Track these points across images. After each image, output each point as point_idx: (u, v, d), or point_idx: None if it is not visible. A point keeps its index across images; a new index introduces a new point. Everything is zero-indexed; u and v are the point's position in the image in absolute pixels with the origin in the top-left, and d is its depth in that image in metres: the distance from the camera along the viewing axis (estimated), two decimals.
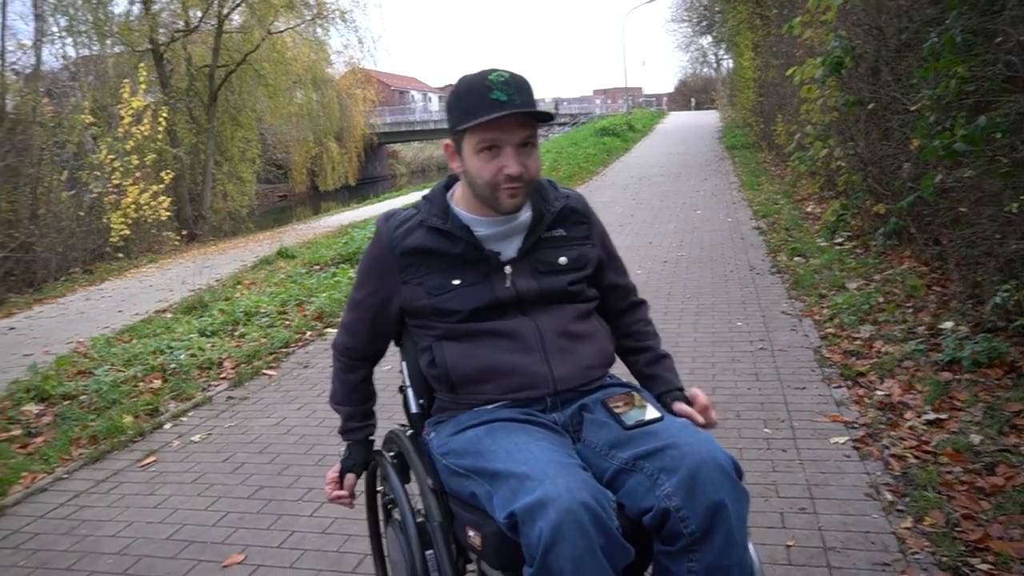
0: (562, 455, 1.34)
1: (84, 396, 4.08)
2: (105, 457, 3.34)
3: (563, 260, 1.59)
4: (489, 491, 1.32)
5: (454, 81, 1.63)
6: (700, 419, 1.55)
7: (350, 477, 1.72)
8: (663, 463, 1.32)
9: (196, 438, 3.48)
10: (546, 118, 1.50)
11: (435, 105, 59.75)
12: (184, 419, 3.75)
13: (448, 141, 1.56)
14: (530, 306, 1.55)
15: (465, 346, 1.53)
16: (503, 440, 1.38)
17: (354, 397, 1.74)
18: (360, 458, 1.74)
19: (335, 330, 1.91)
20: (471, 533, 1.37)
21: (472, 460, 1.40)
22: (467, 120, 1.45)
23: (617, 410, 1.46)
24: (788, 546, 2.18)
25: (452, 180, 1.65)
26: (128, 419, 3.67)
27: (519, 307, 1.54)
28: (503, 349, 1.51)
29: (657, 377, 1.67)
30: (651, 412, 1.45)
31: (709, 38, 34.66)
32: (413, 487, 1.56)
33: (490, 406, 1.51)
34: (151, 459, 3.28)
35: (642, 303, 1.82)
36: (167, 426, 3.67)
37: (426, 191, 1.69)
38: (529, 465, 1.28)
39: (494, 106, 1.43)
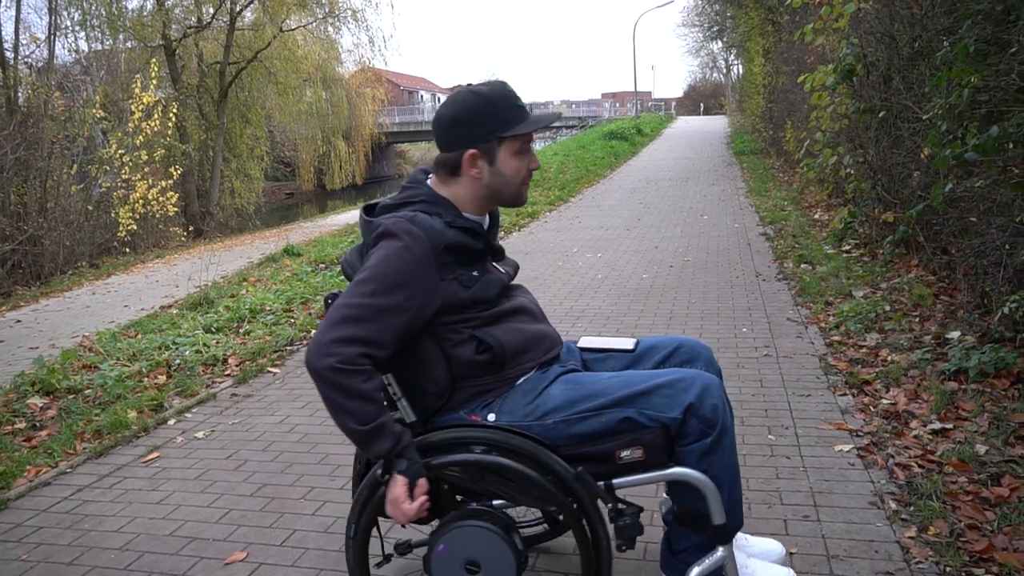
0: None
1: (89, 390, 4.09)
2: (109, 452, 3.35)
3: (503, 246, 1.92)
4: (639, 409, 1.63)
5: (465, 83, 1.80)
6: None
7: (423, 482, 1.59)
8: (682, 359, 1.89)
9: (200, 435, 3.49)
10: (556, 119, 1.93)
11: None
12: (188, 415, 3.76)
13: (474, 150, 1.70)
14: (512, 286, 1.87)
15: (504, 326, 1.75)
16: (601, 378, 1.73)
17: (382, 403, 1.57)
18: (421, 460, 1.61)
19: None
20: (624, 453, 1.64)
21: (594, 400, 1.66)
22: (511, 128, 1.69)
23: (608, 345, 1.94)
24: (791, 553, 2.17)
25: (418, 188, 1.76)
26: (132, 414, 3.68)
27: (511, 287, 1.85)
28: (527, 322, 1.80)
29: None
30: (628, 341, 1.95)
31: (719, 43, 34.71)
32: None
33: (532, 372, 1.77)
34: (155, 455, 3.28)
35: None
36: (171, 422, 3.67)
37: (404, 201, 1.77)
38: (659, 377, 1.68)
39: (524, 113, 1.72)
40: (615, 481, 1.67)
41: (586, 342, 1.97)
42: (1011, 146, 3.19)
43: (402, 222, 1.63)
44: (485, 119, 1.69)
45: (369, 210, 1.78)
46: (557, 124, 52.15)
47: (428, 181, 1.79)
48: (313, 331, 5.02)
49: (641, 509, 1.66)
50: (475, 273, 1.72)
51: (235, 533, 2.54)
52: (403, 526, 1.67)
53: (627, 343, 1.95)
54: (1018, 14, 3.27)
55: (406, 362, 1.68)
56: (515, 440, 1.64)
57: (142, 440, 3.47)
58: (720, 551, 1.72)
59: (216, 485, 2.93)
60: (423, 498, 1.58)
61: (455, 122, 1.71)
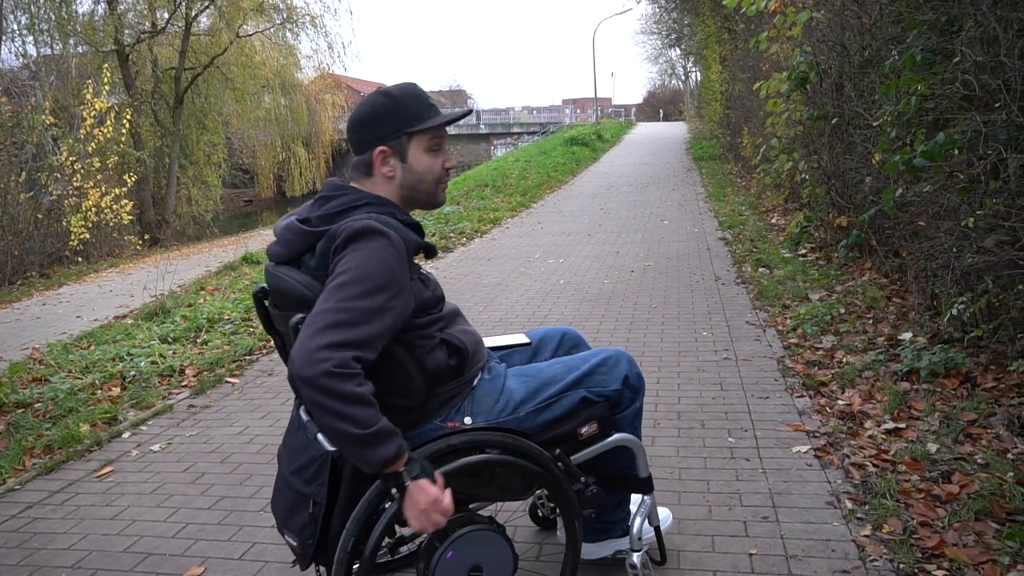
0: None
1: (39, 404, 3.97)
2: (60, 467, 3.25)
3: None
4: (588, 388, 1.82)
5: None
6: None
7: (441, 479, 1.52)
8: (569, 344, 2.12)
9: (156, 447, 3.41)
10: (468, 114, 1.90)
11: None
12: (144, 428, 3.67)
13: (384, 146, 1.68)
14: None
15: (459, 327, 1.79)
16: (542, 368, 1.88)
17: (378, 406, 1.49)
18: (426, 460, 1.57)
19: None
20: (583, 429, 1.81)
21: (551, 387, 1.80)
22: (419, 123, 1.68)
23: (508, 342, 2.07)
24: (751, 554, 2.20)
25: (352, 192, 1.69)
26: (85, 428, 3.58)
27: None
28: (466, 323, 1.87)
29: None
30: (521, 336, 2.10)
31: (678, 51, 35.22)
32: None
33: (480, 373, 1.82)
34: (108, 469, 3.19)
35: None
36: (126, 435, 3.58)
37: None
38: (593, 358, 1.87)
39: (433, 110, 1.72)
40: (572, 457, 1.80)
41: (488, 342, 2.02)
42: (956, 152, 3.29)
43: (371, 222, 1.56)
44: (392, 116, 1.67)
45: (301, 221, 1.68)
46: (518, 130, 52.40)
47: (353, 185, 1.74)
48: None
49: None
50: (424, 272, 1.74)
51: (192, 547, 2.48)
52: (426, 535, 1.59)
53: (522, 338, 2.10)
54: (960, 25, 3.38)
55: (379, 377, 1.58)
56: (509, 438, 1.69)
57: (95, 454, 3.38)
58: (647, 499, 2.01)
59: (173, 499, 2.86)
60: (449, 493, 1.51)
61: (363, 122, 1.70)
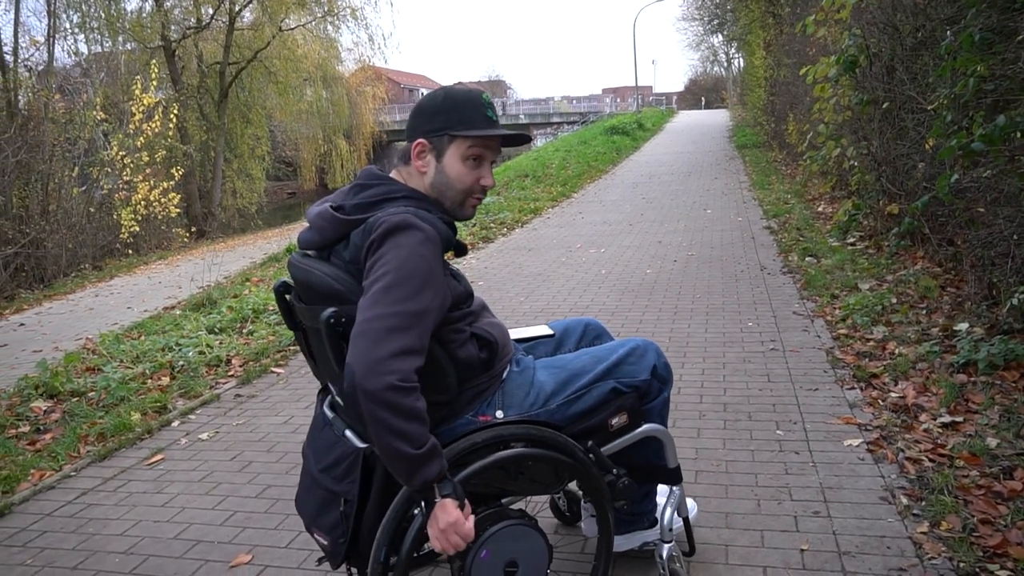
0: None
1: (93, 393, 4.08)
2: (113, 455, 3.33)
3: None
4: (617, 378, 1.80)
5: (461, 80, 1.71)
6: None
7: (468, 505, 1.51)
8: (592, 335, 2.09)
9: (204, 436, 3.47)
10: (526, 141, 1.83)
11: None
12: (192, 417, 3.74)
13: (424, 140, 1.66)
14: None
15: (486, 320, 1.77)
16: (569, 359, 1.86)
17: (428, 423, 1.47)
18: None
19: None
20: (614, 420, 1.79)
21: (581, 379, 1.78)
22: (465, 128, 1.63)
23: (531, 334, 2.05)
24: (802, 550, 2.15)
25: (389, 183, 1.65)
26: (136, 416, 3.66)
27: None
28: (492, 316, 1.84)
29: None
30: (543, 328, 2.09)
31: (720, 37, 34.62)
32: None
33: (509, 365, 1.79)
34: (159, 457, 3.27)
35: None
36: (175, 424, 3.66)
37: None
38: (620, 349, 1.86)
39: (490, 123, 1.66)
40: (602, 449, 1.79)
41: (512, 334, 1.99)
42: (1018, 135, 3.15)
43: (409, 216, 1.53)
44: (441, 113, 1.65)
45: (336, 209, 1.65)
46: (558, 120, 52.14)
47: (392, 175, 1.72)
48: None
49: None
50: (452, 268, 1.72)
51: (240, 535, 2.52)
52: (449, 555, 1.54)
53: (546, 330, 2.08)
54: (1023, 2, 3.23)
55: None
56: (534, 430, 1.68)
57: (146, 442, 3.46)
58: (676, 489, 1.99)
59: (221, 487, 2.91)
60: (472, 520, 1.50)
61: (418, 111, 1.69)
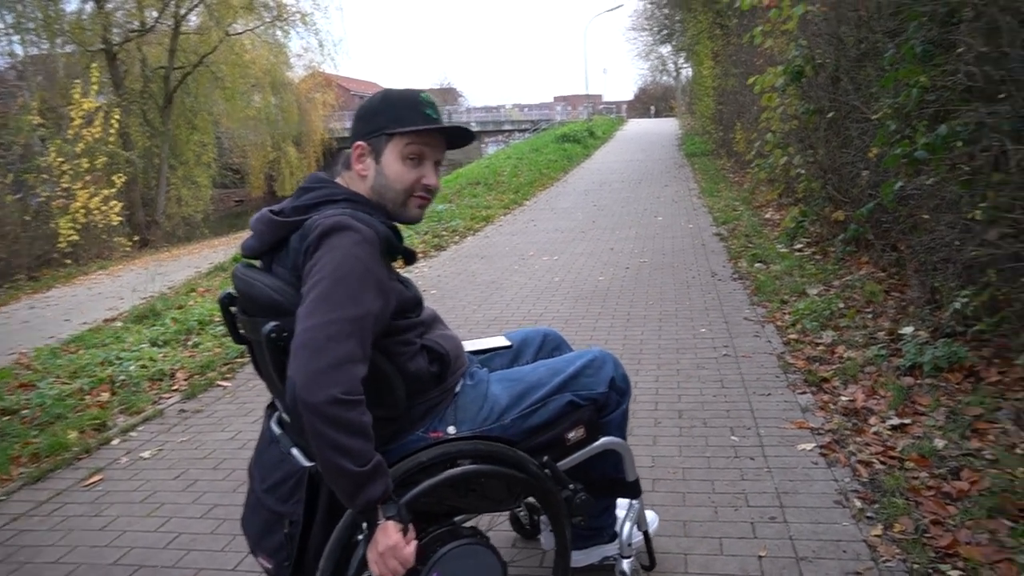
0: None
1: (26, 411, 3.88)
2: (47, 476, 3.16)
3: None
4: (574, 391, 1.76)
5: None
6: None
7: (412, 528, 1.45)
8: (551, 346, 2.05)
9: (146, 454, 3.33)
10: (471, 138, 1.73)
11: None
12: (133, 434, 3.59)
13: (362, 142, 1.62)
14: None
15: (438, 332, 1.72)
16: (525, 372, 1.81)
17: (373, 439, 1.41)
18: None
19: None
20: (570, 434, 1.75)
21: (537, 392, 1.74)
22: (400, 126, 1.59)
23: (487, 346, 1.99)
24: (760, 557, 2.15)
25: (330, 186, 1.61)
26: (73, 435, 3.50)
27: None
28: (444, 327, 1.78)
29: None
30: (500, 339, 2.02)
31: (669, 47, 35.16)
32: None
33: (462, 379, 1.74)
34: (97, 477, 3.12)
35: None
36: (115, 442, 3.50)
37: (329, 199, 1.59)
38: (578, 361, 1.81)
39: (429, 120, 1.61)
40: (559, 463, 1.75)
41: (468, 346, 1.94)
42: (959, 144, 3.24)
43: (343, 218, 1.48)
44: (378, 114, 1.62)
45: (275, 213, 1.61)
46: (509, 128, 52.28)
47: (338, 181, 1.68)
48: None
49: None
50: (402, 276, 1.67)
51: (184, 559, 2.41)
52: None
53: (503, 341, 2.03)
54: (961, 16, 3.33)
55: None
56: (482, 446, 1.63)
57: (84, 462, 3.30)
58: (635, 503, 1.97)
59: (163, 508, 2.79)
60: (414, 545, 1.43)
61: (357, 114, 1.66)
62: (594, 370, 1.82)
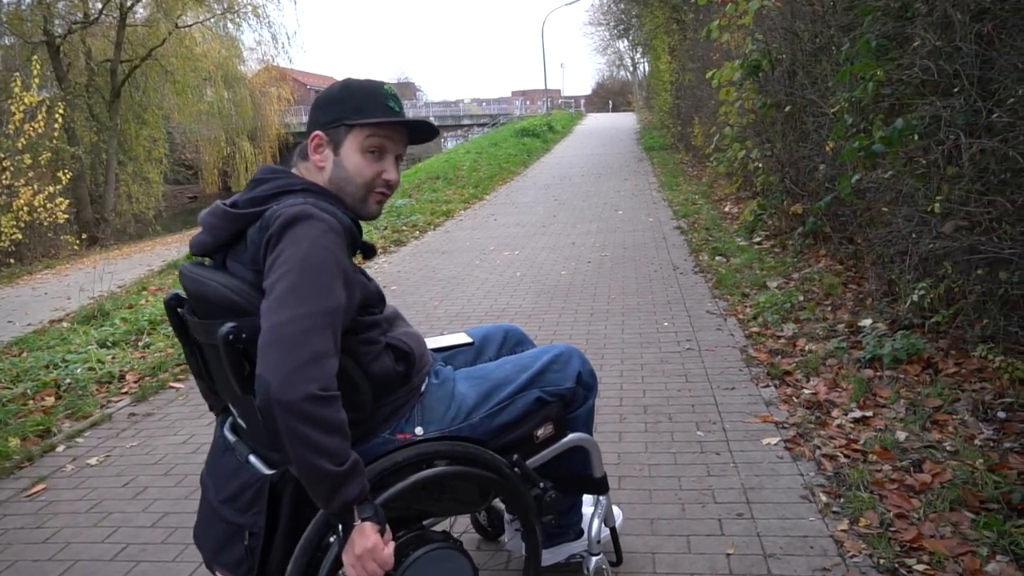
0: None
1: None
2: None
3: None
4: (541, 387, 1.72)
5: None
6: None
7: (389, 530, 1.39)
8: (513, 342, 2.01)
9: (93, 461, 3.18)
10: (435, 133, 1.66)
11: None
12: (80, 440, 3.43)
13: (320, 132, 1.55)
14: None
15: (401, 329, 1.66)
16: (491, 369, 1.77)
17: (348, 439, 1.35)
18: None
19: None
20: (539, 432, 1.72)
21: (504, 389, 1.69)
22: (361, 117, 1.52)
23: (449, 343, 1.94)
24: (728, 554, 2.13)
25: (287, 177, 1.54)
26: (15, 442, 3.33)
27: None
28: (407, 325, 1.71)
29: None
30: (462, 336, 1.98)
31: (626, 42, 35.43)
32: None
33: (427, 378, 1.68)
34: (40, 487, 2.96)
35: None
36: (60, 448, 3.34)
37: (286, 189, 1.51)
38: (544, 356, 1.78)
39: (391, 113, 1.55)
40: (527, 461, 1.71)
41: (429, 343, 1.88)
42: (915, 138, 3.27)
43: (307, 206, 1.41)
44: (338, 104, 1.55)
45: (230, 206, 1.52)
46: (468, 122, 52.08)
47: (293, 171, 1.60)
48: None
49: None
50: (363, 269, 1.60)
51: (133, 570, 2.30)
52: None
53: (464, 338, 1.99)
54: (914, 11, 3.36)
55: None
56: (459, 446, 1.59)
57: (25, 471, 3.14)
58: (603, 499, 1.94)
59: (111, 517, 2.66)
60: (392, 546, 1.37)
61: (315, 105, 1.60)
62: (560, 365, 1.78)
